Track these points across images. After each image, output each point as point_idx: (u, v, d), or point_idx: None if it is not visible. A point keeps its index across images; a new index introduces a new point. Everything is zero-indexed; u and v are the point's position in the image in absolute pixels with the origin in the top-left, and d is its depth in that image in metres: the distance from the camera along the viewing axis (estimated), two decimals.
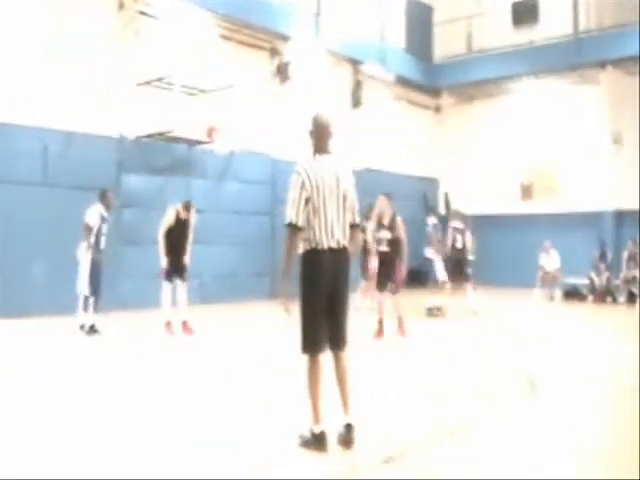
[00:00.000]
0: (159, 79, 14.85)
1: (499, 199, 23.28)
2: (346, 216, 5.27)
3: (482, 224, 22.34)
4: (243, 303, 15.00)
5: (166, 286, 11.22)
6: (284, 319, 5.26)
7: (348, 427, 5.13)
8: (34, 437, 5.38)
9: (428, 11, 24.85)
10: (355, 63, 21.06)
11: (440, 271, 15.92)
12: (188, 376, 7.93)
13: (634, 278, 18.04)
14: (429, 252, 17.01)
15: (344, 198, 5.26)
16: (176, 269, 11.20)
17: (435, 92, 25.05)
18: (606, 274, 18.52)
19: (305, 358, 5.18)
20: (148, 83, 14.94)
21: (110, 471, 4.64)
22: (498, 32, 23.32)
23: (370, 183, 21.09)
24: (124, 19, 15.04)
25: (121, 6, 15.00)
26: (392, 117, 22.85)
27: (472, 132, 24.36)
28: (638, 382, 7.35)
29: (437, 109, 25.50)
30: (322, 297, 5.15)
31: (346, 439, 5.12)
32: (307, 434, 5.15)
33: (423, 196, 23.88)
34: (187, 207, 11.26)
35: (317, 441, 5.10)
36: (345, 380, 5.26)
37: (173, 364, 8.78)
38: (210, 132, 15.42)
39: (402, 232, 10.85)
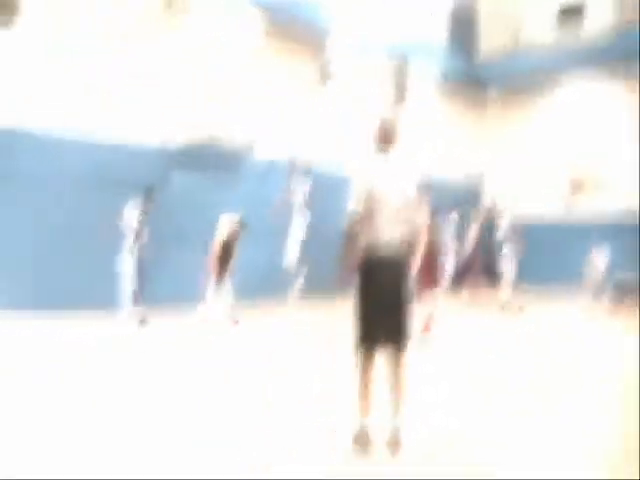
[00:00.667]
0: (205, 79, 14.95)
1: (546, 196, 23.01)
2: (404, 218, 5.27)
3: (529, 222, 22.17)
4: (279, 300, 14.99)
5: (213, 285, 11.48)
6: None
7: (396, 431, 5.14)
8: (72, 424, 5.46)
9: (473, 7, 24.64)
10: (399, 61, 20.98)
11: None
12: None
13: None
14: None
15: (403, 200, 5.27)
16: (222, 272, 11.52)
17: (480, 89, 24.84)
18: None
19: (357, 352, 5.28)
20: (194, 83, 15.05)
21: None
22: (543, 28, 23.06)
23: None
24: (168, 17, 15.15)
25: (166, 4, 15.11)
26: (436, 114, 22.74)
27: (517, 128, 24.15)
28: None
29: (482, 106, 25.30)
30: (376, 295, 5.19)
31: (393, 442, 5.12)
32: (361, 424, 5.24)
33: (468, 195, 23.71)
34: (242, 226, 11.56)
35: (362, 435, 5.19)
36: (399, 383, 5.27)
37: (202, 360, 8.88)
38: (255, 135, 15.50)
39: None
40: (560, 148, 23.02)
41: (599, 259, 18.78)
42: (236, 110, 15.38)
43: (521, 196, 23.32)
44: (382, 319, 5.22)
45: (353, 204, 5.19)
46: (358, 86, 19.54)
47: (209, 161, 15.66)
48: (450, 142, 23.27)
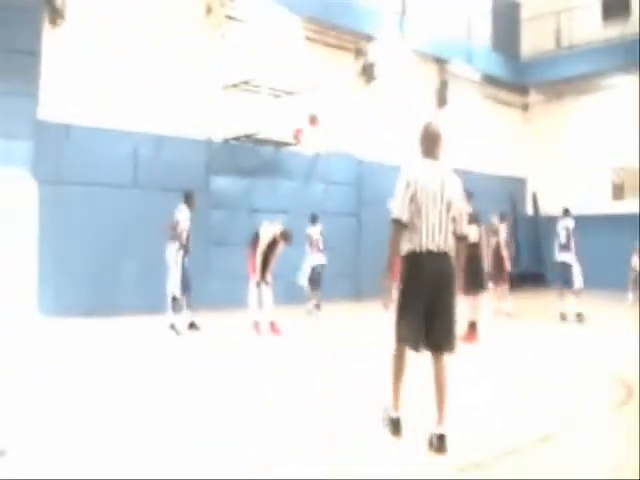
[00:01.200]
0: (246, 82, 15.07)
1: (589, 199, 22.74)
2: (449, 223, 5.28)
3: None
4: (326, 303, 14.97)
5: (253, 289, 11.49)
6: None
7: (440, 438, 5.10)
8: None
9: (515, 7, 24.50)
10: (441, 62, 20.94)
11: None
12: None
13: None
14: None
15: (448, 205, 5.27)
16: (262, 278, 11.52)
17: (522, 90, 24.67)
18: None
19: (394, 347, 5.37)
20: (235, 86, 15.19)
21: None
22: (587, 27, 22.83)
23: None
24: (212, 23, 15.32)
25: (209, 10, 15.29)
26: (478, 116, 22.63)
27: (560, 130, 23.92)
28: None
29: (524, 107, 25.12)
30: (420, 297, 5.21)
31: (438, 448, 5.09)
32: (390, 415, 5.44)
33: (510, 197, 23.55)
34: (284, 236, 11.52)
35: (393, 426, 5.39)
36: (442, 387, 5.24)
37: (240, 363, 8.90)
38: (297, 134, 15.56)
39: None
40: (603, 151, 22.75)
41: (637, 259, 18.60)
42: (281, 110, 15.48)
43: (564, 198, 23.10)
44: (428, 320, 5.22)
45: (398, 210, 5.21)
46: (401, 87, 19.52)
47: (251, 160, 15.79)
48: (492, 144, 23.12)
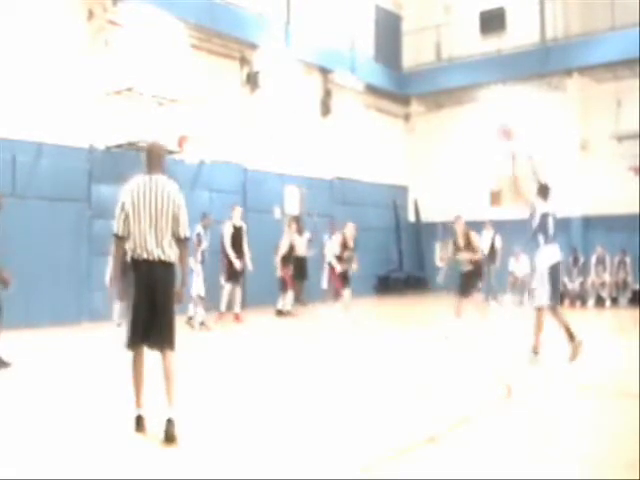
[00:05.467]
0: (129, 89, 14.81)
1: (468, 206, 23.43)
2: (165, 230, 5.80)
3: (452, 231, 22.56)
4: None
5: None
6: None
7: (169, 421, 5.55)
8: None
9: (397, 20, 24.99)
10: (325, 72, 21.14)
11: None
12: None
13: (603, 283, 18.35)
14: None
15: (166, 214, 5.81)
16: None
17: (404, 100, 25.21)
18: (579, 279, 18.84)
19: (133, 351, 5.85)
20: (118, 93, 14.90)
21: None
22: (466, 41, 23.61)
23: (340, 191, 21.30)
24: (94, 28, 15.00)
25: (91, 15, 14.95)
26: (362, 125, 22.97)
27: (441, 140, 24.55)
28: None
29: (406, 117, 25.66)
30: (141, 301, 5.74)
31: (168, 434, 5.52)
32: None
33: (393, 204, 24.00)
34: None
35: (137, 424, 5.78)
36: (169, 379, 5.75)
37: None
38: (180, 142, 15.40)
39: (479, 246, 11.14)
40: (482, 160, 23.49)
41: (520, 267, 19.36)
42: (163, 116, 15.27)
43: (444, 205, 23.78)
44: (151, 322, 5.82)
45: (116, 227, 5.91)
46: (286, 96, 19.62)
47: (135, 168, 15.49)
48: (375, 153, 23.51)
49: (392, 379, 8.47)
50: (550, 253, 9.13)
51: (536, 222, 9.27)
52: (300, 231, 17.76)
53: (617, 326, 15.19)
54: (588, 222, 20.90)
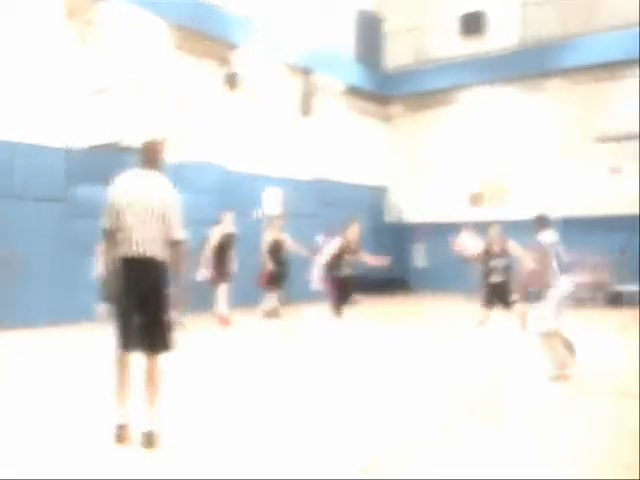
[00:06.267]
0: (109, 89, 14.73)
1: (448, 207, 23.59)
2: (158, 229, 5.55)
3: (431, 232, 22.75)
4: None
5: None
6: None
7: (150, 434, 5.37)
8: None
9: (378, 21, 25.02)
10: (306, 72, 21.14)
11: None
12: None
13: (582, 284, 18.47)
14: None
15: (158, 214, 5.56)
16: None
17: (385, 101, 25.25)
18: None
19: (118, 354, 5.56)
20: (98, 92, 14.81)
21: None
22: (447, 42, 23.71)
23: (320, 192, 21.30)
24: (73, 27, 14.89)
25: (70, 14, 14.84)
26: (342, 126, 22.99)
27: (422, 141, 24.66)
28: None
29: (387, 118, 25.71)
30: (130, 301, 5.48)
31: (148, 444, 5.35)
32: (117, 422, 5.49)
33: (373, 205, 24.04)
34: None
35: (119, 433, 5.44)
36: (154, 385, 5.50)
37: None
38: (162, 142, 15.31)
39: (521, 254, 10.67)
40: (463, 161, 23.64)
41: None
42: (144, 116, 15.20)
43: (424, 206, 23.93)
44: (141, 323, 5.55)
45: (104, 221, 5.68)
46: (266, 96, 19.60)
47: (114, 168, 15.42)
48: (355, 154, 23.55)
49: (387, 378, 8.51)
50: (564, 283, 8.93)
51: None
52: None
53: (607, 326, 15.19)
54: (568, 223, 20.98)
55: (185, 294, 5.71)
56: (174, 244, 5.62)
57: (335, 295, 10.77)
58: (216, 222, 14.45)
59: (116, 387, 5.54)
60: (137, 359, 5.61)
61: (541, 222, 9.25)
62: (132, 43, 15.49)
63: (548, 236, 9.04)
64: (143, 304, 5.47)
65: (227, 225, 14.04)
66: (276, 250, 15.04)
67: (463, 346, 11.50)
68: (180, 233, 5.66)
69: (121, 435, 5.42)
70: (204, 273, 13.51)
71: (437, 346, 11.58)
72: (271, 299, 15.12)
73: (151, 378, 5.50)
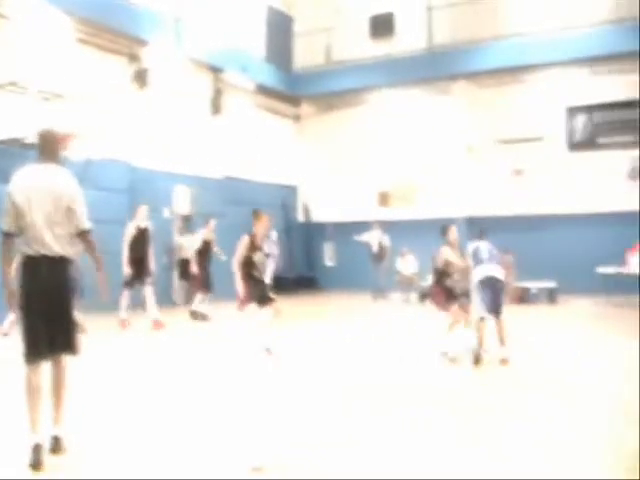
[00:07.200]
0: (13, 83, 14.35)
1: (357, 207, 23.85)
2: (64, 224, 5.28)
3: (340, 231, 22.95)
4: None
5: None
6: None
7: (57, 439, 5.22)
8: None
9: (288, 21, 25.09)
10: (215, 71, 21.03)
11: None
12: None
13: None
14: None
15: (62, 206, 5.27)
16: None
17: (295, 101, 25.34)
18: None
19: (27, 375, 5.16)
20: (1, 87, 14.42)
21: None
22: (356, 44, 23.94)
23: (230, 191, 21.22)
24: None
25: None
26: (252, 125, 22.96)
27: (332, 141, 24.82)
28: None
29: (297, 118, 25.81)
30: (37, 303, 5.17)
31: (55, 449, 5.20)
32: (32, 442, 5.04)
33: (282, 204, 24.09)
34: None
35: (34, 454, 4.98)
36: (61, 388, 5.33)
37: None
38: (66, 139, 15.00)
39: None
40: (372, 161, 23.93)
41: (407, 266, 19.87)
42: (48, 112, 14.84)
43: (333, 206, 24.14)
44: (48, 326, 5.23)
45: (3, 223, 5.23)
46: (176, 94, 19.41)
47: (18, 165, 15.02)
48: (265, 153, 23.56)
49: (290, 377, 8.54)
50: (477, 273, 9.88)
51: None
52: (181, 232, 17.76)
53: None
54: (472, 223, 21.51)
55: (106, 284, 5.61)
56: (83, 234, 5.40)
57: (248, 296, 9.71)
58: (122, 222, 14.23)
59: (27, 404, 5.12)
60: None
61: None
62: (37, 36, 15.13)
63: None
64: (50, 306, 5.18)
65: (141, 219, 13.61)
66: (205, 251, 14.83)
67: (370, 345, 11.65)
68: (87, 222, 5.43)
69: (37, 459, 4.95)
70: (126, 271, 13.11)
71: (342, 345, 11.65)
72: (201, 300, 14.84)
73: (58, 383, 5.30)
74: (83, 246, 5.47)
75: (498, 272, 9.83)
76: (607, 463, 5.20)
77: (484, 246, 10.10)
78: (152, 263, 13.54)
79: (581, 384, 8.05)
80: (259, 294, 9.66)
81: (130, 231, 13.42)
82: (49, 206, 5.20)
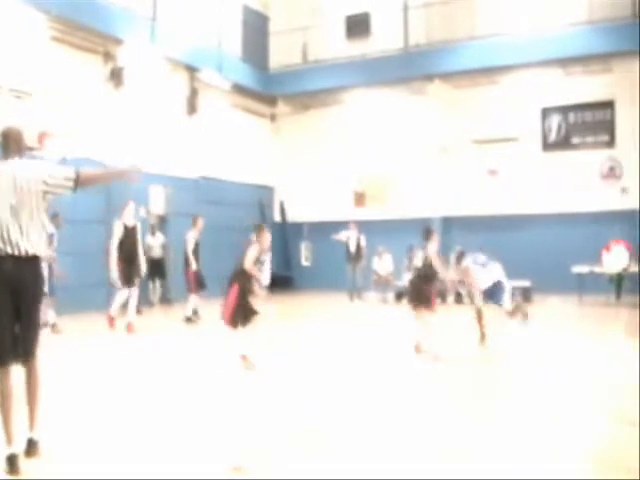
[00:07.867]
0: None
1: (333, 206, 23.90)
2: (30, 221, 5.12)
3: (316, 231, 22.97)
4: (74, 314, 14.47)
5: None
6: None
7: (32, 442, 5.17)
8: None
9: (264, 20, 25.05)
10: (191, 70, 20.95)
11: None
12: None
13: (462, 280, 18.99)
14: None
15: (29, 202, 5.12)
16: None
17: (271, 100, 25.30)
18: None
19: None
20: None
21: None
22: (332, 44, 23.94)
23: (205, 191, 21.16)
24: None
25: None
26: (228, 125, 22.90)
27: (307, 140, 24.83)
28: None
29: (273, 117, 25.77)
30: (5, 305, 5.04)
31: (30, 452, 5.14)
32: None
33: (259, 204, 24.06)
34: None
35: (10, 464, 4.89)
36: (34, 393, 5.24)
37: None
38: (40, 138, 14.90)
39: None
40: (347, 161, 23.98)
41: (383, 266, 19.93)
42: (22, 111, 14.72)
43: (309, 206, 24.16)
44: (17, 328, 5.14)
45: None
46: (151, 93, 19.31)
47: None
48: (241, 153, 23.50)
49: (271, 374, 8.54)
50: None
51: None
52: (152, 232, 17.70)
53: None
54: (448, 223, 21.65)
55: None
56: (77, 178, 5.23)
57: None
58: (99, 221, 14.11)
59: (2, 413, 5.00)
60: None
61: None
62: (8, 34, 14.99)
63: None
64: (18, 307, 5.04)
65: (128, 217, 13.12)
66: (196, 251, 14.59)
67: (349, 344, 11.68)
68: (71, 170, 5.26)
69: (13, 468, 4.85)
70: (115, 274, 12.61)
71: (321, 344, 11.68)
72: (193, 301, 14.56)
73: (29, 386, 5.21)
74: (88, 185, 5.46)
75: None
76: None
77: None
78: (143, 264, 13.23)
79: (557, 382, 8.13)
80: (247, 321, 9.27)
81: (118, 230, 12.88)
82: (14, 201, 5.05)
